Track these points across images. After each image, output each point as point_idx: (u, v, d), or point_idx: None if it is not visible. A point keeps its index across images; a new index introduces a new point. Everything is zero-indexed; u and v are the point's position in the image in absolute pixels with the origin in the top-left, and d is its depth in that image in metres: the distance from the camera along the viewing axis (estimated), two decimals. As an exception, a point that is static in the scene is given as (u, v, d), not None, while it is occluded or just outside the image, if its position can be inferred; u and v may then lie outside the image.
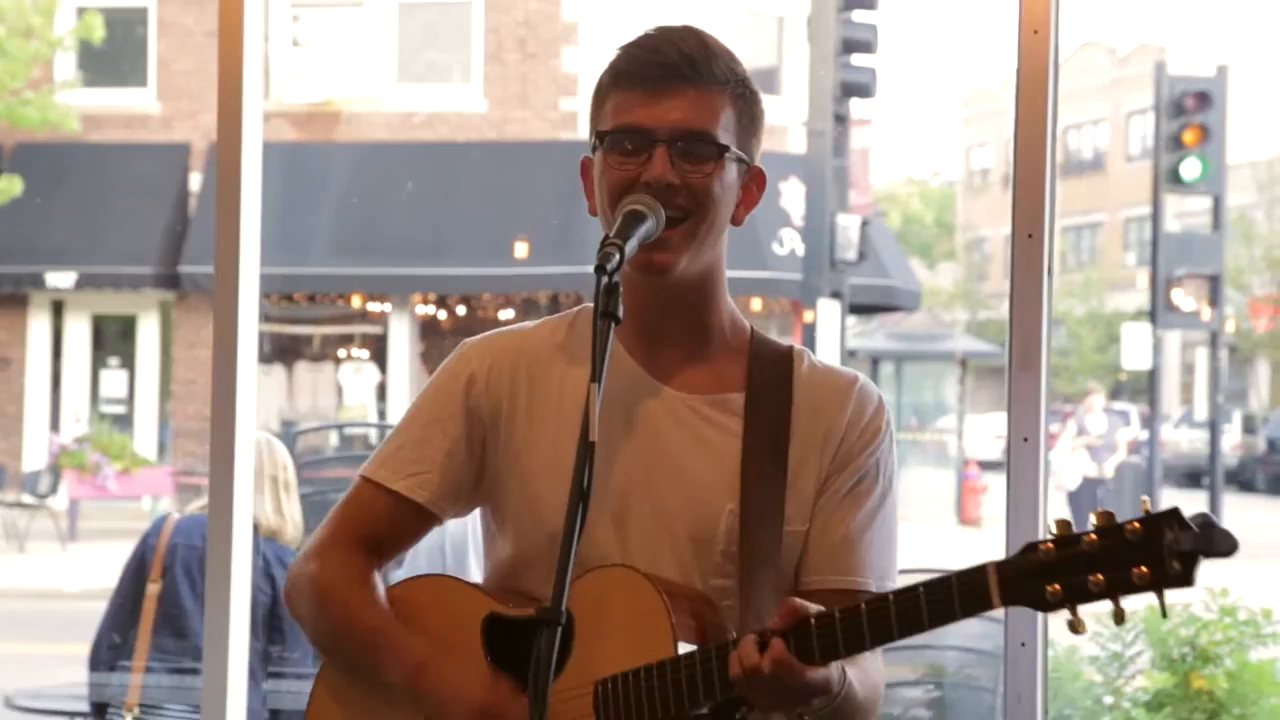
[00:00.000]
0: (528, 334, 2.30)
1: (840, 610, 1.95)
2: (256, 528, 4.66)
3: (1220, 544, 1.80)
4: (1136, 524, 1.83)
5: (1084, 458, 16.26)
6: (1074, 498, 16.18)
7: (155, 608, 4.86)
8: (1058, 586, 1.85)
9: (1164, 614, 1.90)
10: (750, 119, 2.21)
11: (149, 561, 4.92)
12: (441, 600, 2.23)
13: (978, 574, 1.89)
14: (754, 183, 2.24)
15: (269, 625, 4.90)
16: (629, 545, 2.16)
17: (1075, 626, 1.87)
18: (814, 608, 1.97)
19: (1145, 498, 1.88)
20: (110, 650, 4.95)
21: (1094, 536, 1.84)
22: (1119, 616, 1.86)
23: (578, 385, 2.15)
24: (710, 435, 2.19)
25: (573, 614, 1.99)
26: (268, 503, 4.92)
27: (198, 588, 4.79)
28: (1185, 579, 1.81)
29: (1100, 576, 1.83)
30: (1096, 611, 1.84)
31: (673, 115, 2.14)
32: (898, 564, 2.25)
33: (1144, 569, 1.81)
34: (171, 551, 4.90)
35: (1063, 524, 1.88)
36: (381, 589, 2.24)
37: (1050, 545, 1.87)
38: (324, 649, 2.28)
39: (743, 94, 2.20)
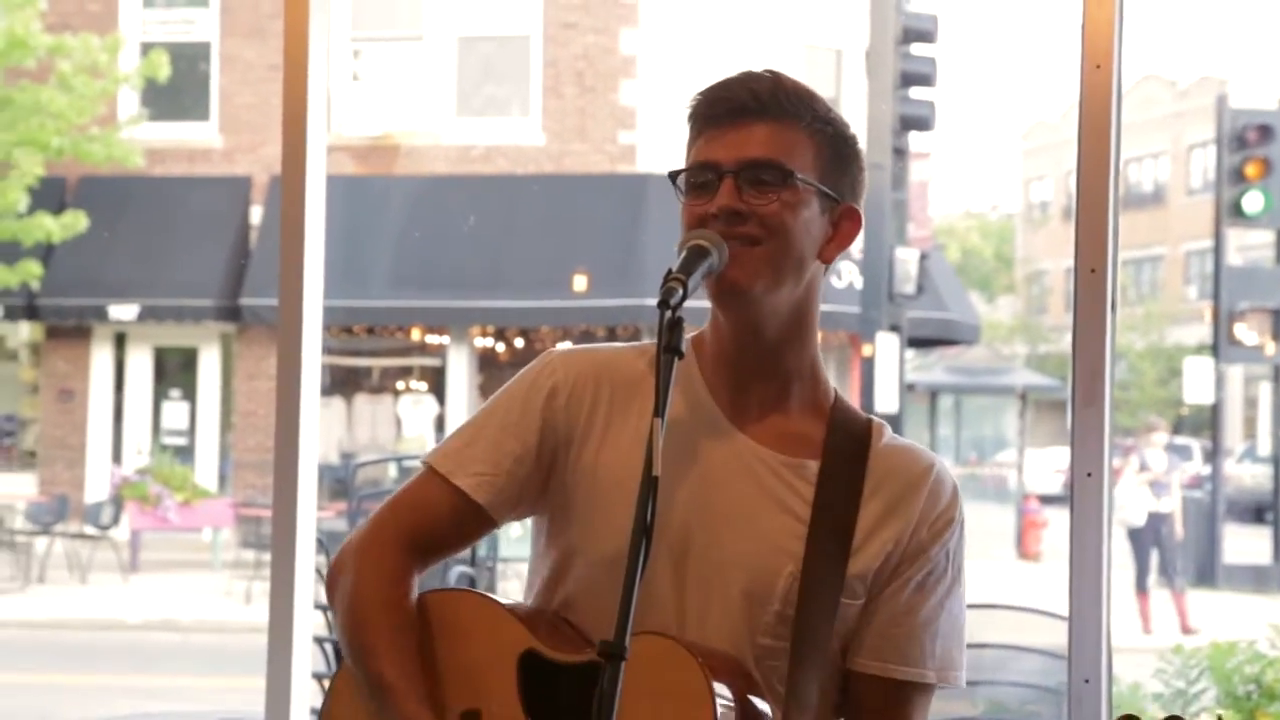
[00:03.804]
0: (615, 355, 2.27)
1: None
2: None
3: None
4: None
5: (1147, 494, 16.11)
6: (1136, 535, 16.04)
7: None
8: None
9: None
10: (836, 155, 2.20)
11: None
12: (479, 623, 2.18)
13: None
14: (845, 219, 2.22)
15: None
16: (685, 587, 2.15)
17: None
18: None
19: None
20: None
21: None
22: None
23: None
24: (781, 494, 2.17)
25: None
26: None
27: None
28: None
29: None
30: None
31: (739, 148, 2.14)
32: (963, 651, 2.24)
33: None
34: None
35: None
36: (414, 599, 2.20)
37: None
38: (347, 655, 2.22)
39: (823, 130, 2.19)
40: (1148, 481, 16.11)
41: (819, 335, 2.26)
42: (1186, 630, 15.05)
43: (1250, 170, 19.04)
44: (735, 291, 2.14)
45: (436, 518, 2.24)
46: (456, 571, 6.24)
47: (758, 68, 2.21)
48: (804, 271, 2.18)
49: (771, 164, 2.14)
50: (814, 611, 2.13)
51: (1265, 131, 19.06)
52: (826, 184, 2.18)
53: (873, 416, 2.27)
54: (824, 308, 2.26)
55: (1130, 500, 16.08)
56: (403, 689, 2.12)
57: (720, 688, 2.02)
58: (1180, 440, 32.66)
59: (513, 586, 12.67)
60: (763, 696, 2.11)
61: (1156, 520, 16.06)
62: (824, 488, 2.17)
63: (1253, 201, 19.02)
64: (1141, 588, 15.75)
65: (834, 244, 2.21)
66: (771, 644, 2.14)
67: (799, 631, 2.13)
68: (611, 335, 20.98)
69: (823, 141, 2.19)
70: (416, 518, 2.24)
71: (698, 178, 2.17)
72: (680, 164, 2.21)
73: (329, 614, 2.33)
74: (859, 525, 2.16)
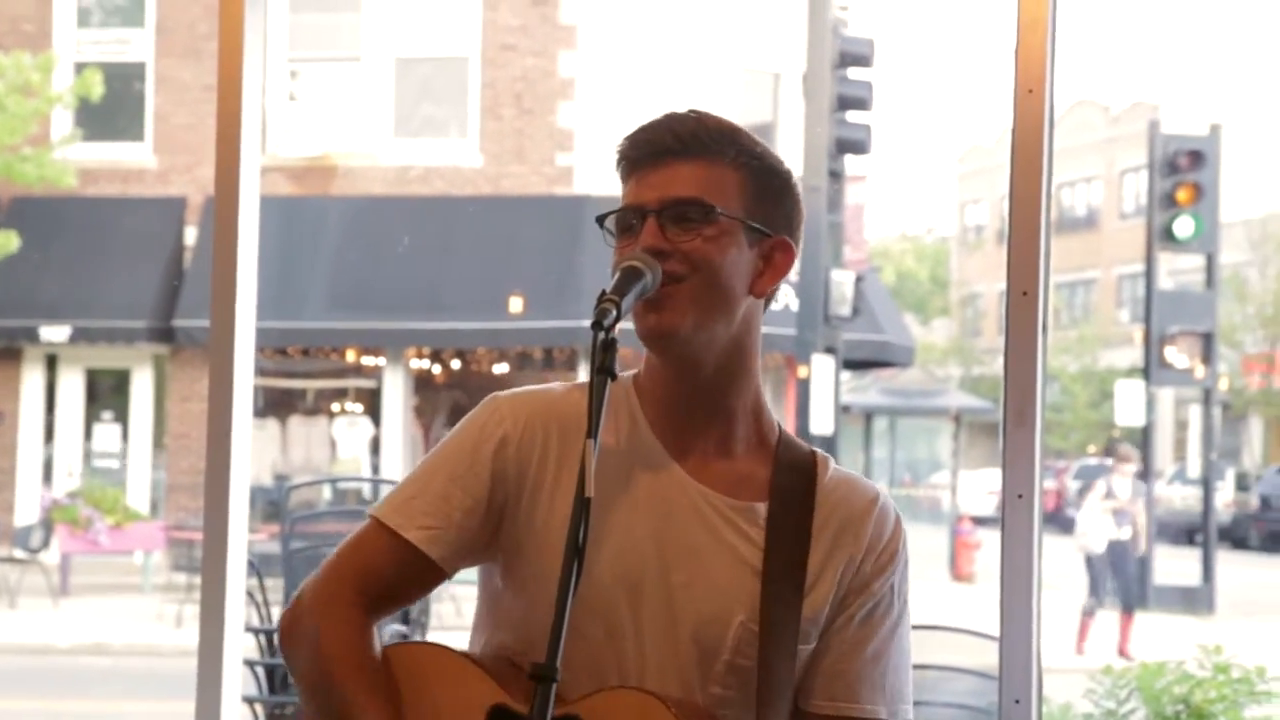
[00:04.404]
0: (562, 397, 2.23)
1: None
2: None
3: None
4: None
5: (1110, 522, 16.21)
6: (1092, 560, 16.13)
7: None
8: None
9: None
10: (765, 188, 2.19)
11: None
12: (443, 677, 2.16)
13: None
14: (777, 252, 2.20)
15: None
16: (641, 625, 2.14)
17: None
18: None
19: None
20: None
21: None
22: None
23: (604, 458, 2.12)
24: (732, 539, 2.16)
25: None
26: None
27: None
28: None
29: None
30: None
31: (663, 188, 2.14)
32: (911, 686, 2.24)
33: None
34: None
35: None
36: (378, 650, 2.19)
37: None
38: (317, 713, 2.20)
39: (749, 164, 2.18)
40: (1111, 509, 16.20)
41: (761, 389, 2.24)
42: (1124, 654, 15.12)
43: (1181, 195, 19.29)
44: (665, 334, 2.13)
45: (388, 572, 2.20)
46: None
47: (682, 107, 2.21)
48: (735, 307, 2.16)
49: (693, 201, 2.13)
50: (776, 660, 2.12)
51: (1196, 157, 19.32)
52: (754, 218, 2.17)
53: (816, 449, 2.26)
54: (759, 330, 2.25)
55: (1093, 527, 16.20)
56: None
57: None
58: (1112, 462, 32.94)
59: (446, 609, 12.62)
60: None
61: (1114, 547, 16.17)
62: (774, 531, 2.16)
63: (1183, 226, 19.27)
64: (1088, 611, 15.84)
65: (766, 277, 2.19)
66: (721, 693, 2.14)
67: (763, 682, 2.12)
68: (548, 357, 20.97)
69: (748, 176, 2.17)
70: (368, 573, 2.20)
71: (624, 221, 2.17)
72: (610, 209, 2.21)
73: (290, 674, 2.28)
74: (809, 565, 2.16)
